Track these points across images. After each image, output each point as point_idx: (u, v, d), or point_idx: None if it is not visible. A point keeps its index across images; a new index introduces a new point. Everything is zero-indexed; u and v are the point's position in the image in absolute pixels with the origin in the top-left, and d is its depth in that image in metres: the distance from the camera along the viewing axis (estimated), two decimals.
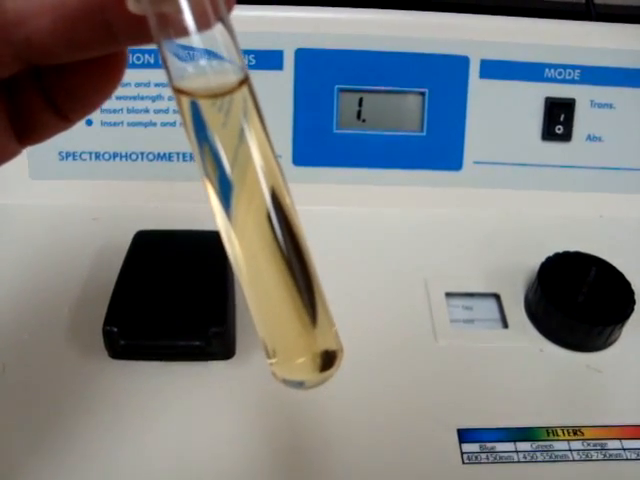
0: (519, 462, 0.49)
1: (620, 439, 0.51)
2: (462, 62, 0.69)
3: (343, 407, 0.52)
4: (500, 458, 0.49)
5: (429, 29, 0.68)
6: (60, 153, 0.68)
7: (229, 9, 0.26)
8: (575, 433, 0.51)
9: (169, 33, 0.25)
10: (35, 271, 0.62)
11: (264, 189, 0.28)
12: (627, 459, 0.50)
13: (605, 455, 0.50)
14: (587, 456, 0.50)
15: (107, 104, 0.67)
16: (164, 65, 0.26)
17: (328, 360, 0.31)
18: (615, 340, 0.58)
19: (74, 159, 0.68)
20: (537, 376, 0.56)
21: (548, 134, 0.70)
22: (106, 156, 0.68)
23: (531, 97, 0.70)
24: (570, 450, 0.50)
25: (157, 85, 0.67)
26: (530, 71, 0.69)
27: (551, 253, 0.60)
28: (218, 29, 0.25)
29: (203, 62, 0.26)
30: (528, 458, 0.49)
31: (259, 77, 0.67)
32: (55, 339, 0.56)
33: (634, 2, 0.82)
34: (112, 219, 0.67)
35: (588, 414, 0.53)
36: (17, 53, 0.27)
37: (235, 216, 0.28)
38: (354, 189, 0.70)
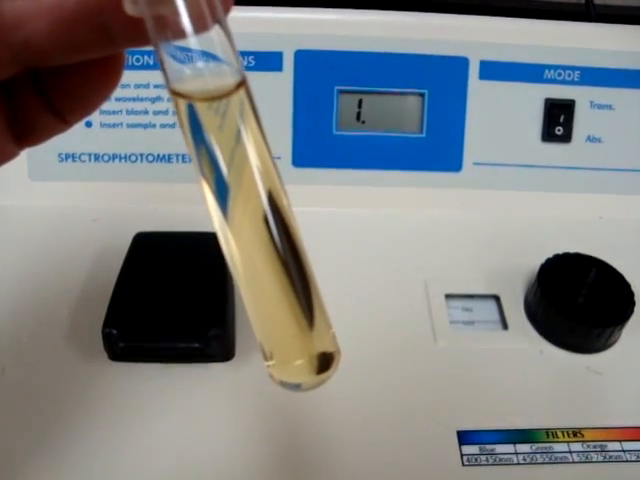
0: (519, 464, 0.49)
1: (620, 441, 0.51)
2: (462, 63, 0.69)
3: (342, 409, 0.52)
4: (500, 460, 0.49)
5: (428, 30, 0.68)
6: (60, 154, 0.68)
7: (226, 11, 0.26)
8: (575, 435, 0.51)
9: (166, 35, 0.25)
10: (34, 272, 0.62)
11: (261, 191, 0.28)
12: (627, 461, 0.50)
13: (605, 457, 0.50)
14: (587, 458, 0.50)
15: (106, 105, 0.67)
16: (161, 67, 0.26)
17: (325, 362, 0.31)
18: (615, 341, 0.58)
19: (74, 160, 0.68)
20: (537, 378, 0.56)
21: (548, 135, 0.70)
22: (105, 157, 0.68)
23: (531, 98, 0.70)
24: (570, 452, 0.50)
25: (156, 87, 0.67)
26: (530, 72, 0.69)
27: (551, 254, 0.60)
28: (215, 31, 0.25)
29: (200, 64, 0.26)
30: (528, 460, 0.49)
31: (259, 78, 0.67)
32: (54, 341, 0.56)
33: (634, 3, 0.82)
34: (112, 220, 0.67)
35: (588, 416, 0.53)
36: (15, 55, 0.27)
37: (232, 218, 0.28)
38: (354, 190, 0.70)
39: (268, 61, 0.68)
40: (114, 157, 0.69)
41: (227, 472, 0.48)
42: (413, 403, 0.53)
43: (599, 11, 0.78)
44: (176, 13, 0.24)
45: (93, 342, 0.54)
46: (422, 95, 0.69)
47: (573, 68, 0.69)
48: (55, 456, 0.48)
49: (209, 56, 0.26)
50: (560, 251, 0.60)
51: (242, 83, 0.27)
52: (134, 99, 0.67)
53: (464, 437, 0.51)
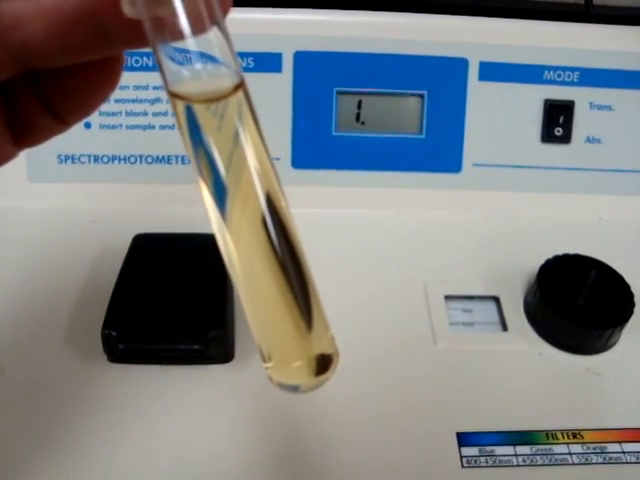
0: (519, 466, 0.49)
1: (620, 442, 0.51)
2: (461, 64, 0.69)
3: (342, 410, 0.52)
4: (499, 462, 0.49)
5: (428, 31, 0.68)
6: (59, 156, 0.68)
7: (224, 13, 0.26)
8: (575, 436, 0.51)
9: (164, 37, 0.25)
10: (33, 274, 0.62)
11: (259, 192, 0.28)
12: (627, 462, 0.50)
13: (605, 458, 0.50)
14: (587, 460, 0.50)
15: (106, 107, 0.67)
16: (159, 69, 0.26)
17: (324, 364, 0.31)
18: (615, 343, 0.58)
19: (73, 162, 0.68)
20: (536, 379, 0.55)
21: (547, 136, 0.70)
22: (105, 159, 0.68)
23: (530, 99, 0.70)
24: (570, 454, 0.50)
25: (155, 88, 0.67)
26: (529, 73, 0.69)
27: (550, 255, 0.60)
28: (213, 33, 0.25)
29: (198, 66, 0.26)
30: (528, 462, 0.49)
31: (258, 80, 0.67)
32: (54, 342, 0.56)
33: (633, 3, 0.82)
34: (111, 222, 0.67)
35: (588, 417, 0.53)
36: (13, 56, 0.27)
37: (230, 219, 0.28)
38: (353, 192, 0.70)
39: (267, 62, 0.68)
40: (113, 158, 0.68)
41: (227, 473, 0.48)
42: (413, 404, 0.53)
43: (598, 12, 0.78)
44: (174, 14, 0.24)
45: (92, 344, 0.54)
46: (422, 96, 0.69)
47: (572, 69, 0.69)
48: (55, 457, 0.48)
49: (207, 58, 0.26)
50: (560, 252, 0.60)
51: (240, 85, 0.27)
52: (133, 100, 0.67)
53: (464, 439, 0.51)
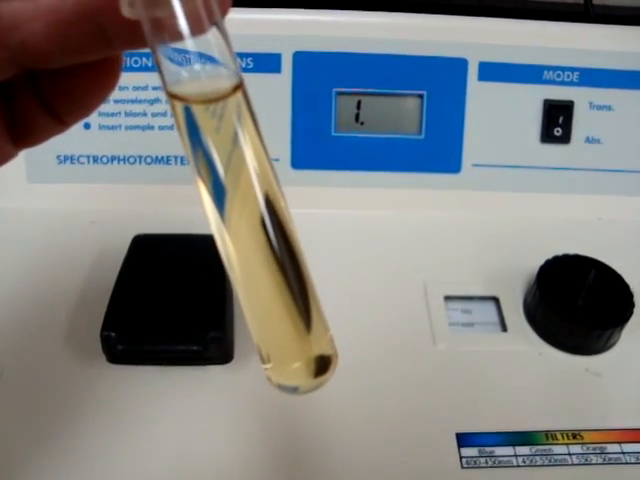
0: (518, 466, 0.49)
1: (619, 443, 0.51)
2: (460, 64, 0.69)
3: (341, 411, 0.52)
4: (499, 462, 0.49)
5: (427, 31, 0.68)
6: (58, 157, 0.68)
7: (223, 13, 0.26)
8: (574, 437, 0.51)
9: (163, 38, 0.25)
10: (33, 275, 0.62)
11: (258, 193, 0.28)
12: (626, 463, 0.50)
13: (604, 459, 0.50)
14: (586, 460, 0.50)
15: (105, 107, 0.67)
16: (158, 70, 0.26)
17: (323, 365, 0.31)
18: (614, 343, 0.58)
19: (72, 162, 0.68)
20: (536, 380, 0.55)
21: (547, 136, 0.70)
22: (104, 159, 0.68)
23: (530, 99, 0.70)
24: (569, 454, 0.50)
25: (155, 88, 0.67)
26: (529, 73, 0.69)
27: (550, 256, 0.60)
28: (212, 34, 0.25)
29: (197, 67, 0.25)
30: (527, 462, 0.49)
31: (257, 80, 0.67)
32: (53, 343, 0.56)
33: (633, 3, 0.82)
34: (110, 223, 0.67)
35: (587, 418, 0.53)
36: (12, 57, 0.27)
37: (229, 220, 0.28)
38: (353, 192, 0.70)
39: (266, 63, 0.68)
40: (112, 159, 0.68)
41: (226, 474, 0.48)
42: (412, 405, 0.53)
43: (598, 12, 0.77)
44: (173, 15, 0.24)
45: (92, 345, 0.54)
46: (421, 96, 0.69)
47: (572, 69, 0.69)
48: (54, 458, 0.48)
49: (206, 58, 0.25)
50: (559, 252, 0.60)
51: (239, 85, 0.27)
52: (132, 101, 0.67)
53: (463, 439, 0.51)
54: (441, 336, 0.58)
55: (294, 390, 0.31)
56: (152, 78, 0.66)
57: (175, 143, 0.63)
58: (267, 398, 0.51)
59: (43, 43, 0.26)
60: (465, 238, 0.68)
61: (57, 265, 0.62)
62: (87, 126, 0.67)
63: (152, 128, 0.68)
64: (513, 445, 0.50)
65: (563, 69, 0.69)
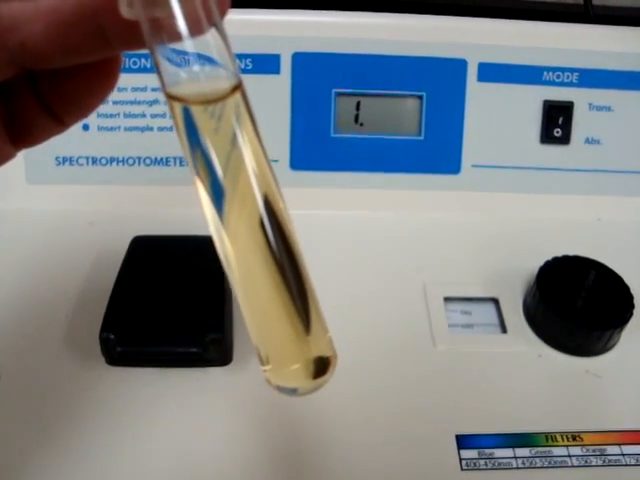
0: (518, 468, 0.49)
1: (619, 444, 0.51)
2: (460, 65, 0.69)
3: (341, 413, 0.52)
4: (499, 464, 0.49)
5: (427, 32, 0.68)
6: (57, 158, 0.68)
7: (222, 14, 0.26)
8: (574, 439, 0.51)
9: (162, 38, 0.25)
10: (31, 276, 0.62)
11: (256, 194, 0.28)
12: (626, 465, 0.49)
13: (604, 461, 0.50)
14: (586, 462, 0.49)
15: (104, 109, 0.67)
16: (157, 71, 0.26)
17: (322, 367, 0.31)
18: (614, 344, 0.58)
19: (71, 164, 0.68)
20: (536, 381, 0.55)
21: (546, 137, 0.70)
22: (103, 161, 0.68)
23: (529, 100, 0.70)
24: (569, 456, 0.50)
25: (154, 90, 0.67)
26: (528, 74, 0.69)
27: (550, 257, 0.60)
28: (211, 34, 0.25)
29: (196, 68, 0.25)
30: (527, 464, 0.49)
31: (256, 81, 0.67)
32: (52, 345, 0.56)
33: (632, 4, 0.82)
34: (109, 224, 0.67)
35: (587, 419, 0.52)
36: (11, 58, 0.27)
37: (227, 221, 0.28)
38: (352, 193, 0.70)
39: (265, 64, 0.67)
40: (111, 160, 0.68)
41: (225, 476, 0.48)
42: (412, 407, 0.53)
43: (598, 12, 0.77)
44: (172, 16, 0.24)
45: (91, 347, 0.54)
46: (420, 97, 0.69)
47: (572, 70, 0.69)
48: (53, 460, 0.48)
49: (205, 59, 0.25)
50: (559, 253, 0.60)
51: (238, 86, 0.27)
52: (131, 102, 0.67)
53: (463, 441, 0.51)
54: (441, 337, 0.58)
55: (293, 392, 0.31)
56: (151, 79, 0.66)
57: (174, 144, 0.63)
58: (266, 400, 0.51)
59: (42, 44, 0.26)
60: (465, 239, 0.68)
61: (56, 266, 0.62)
62: (86, 127, 0.67)
63: (151, 129, 0.68)
64: (513, 447, 0.50)
65: (563, 70, 0.69)
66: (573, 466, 0.49)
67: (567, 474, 0.49)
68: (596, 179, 0.71)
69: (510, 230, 0.69)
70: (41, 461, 0.48)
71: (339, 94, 0.68)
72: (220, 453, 0.49)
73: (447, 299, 0.62)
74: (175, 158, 0.69)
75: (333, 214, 0.69)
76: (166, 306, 0.55)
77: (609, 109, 0.70)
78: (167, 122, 0.68)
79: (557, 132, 0.70)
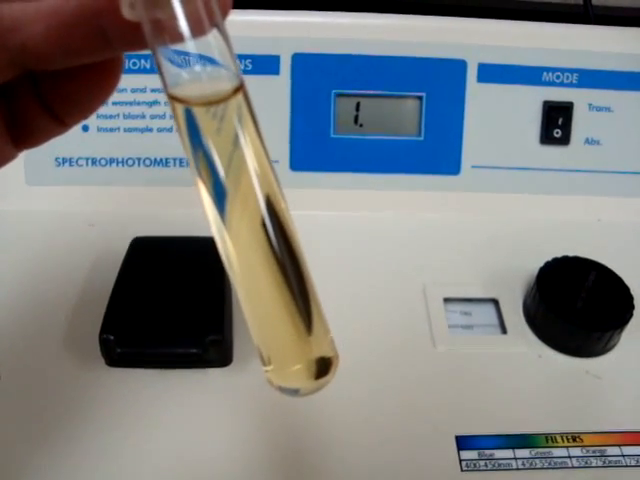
0: (518, 469, 0.49)
1: (620, 445, 0.51)
2: (460, 66, 0.69)
3: (341, 414, 0.52)
4: (499, 465, 0.49)
5: (426, 33, 0.68)
6: (56, 159, 0.68)
7: (224, 15, 0.26)
8: (574, 440, 0.51)
9: (164, 39, 0.25)
10: (31, 277, 0.61)
11: (258, 195, 0.28)
12: (627, 466, 0.49)
13: (605, 462, 0.50)
14: (586, 463, 0.49)
15: (103, 110, 0.67)
16: (159, 72, 0.26)
17: (324, 367, 0.31)
18: (614, 345, 0.58)
19: (70, 165, 0.68)
20: (536, 382, 0.55)
21: (546, 138, 0.70)
22: (102, 162, 0.68)
23: (529, 101, 0.70)
24: (569, 457, 0.50)
25: (153, 91, 0.67)
26: (528, 75, 0.69)
27: (549, 258, 0.60)
28: (213, 35, 0.25)
29: (198, 69, 0.25)
30: (527, 465, 0.49)
31: (256, 82, 0.67)
32: (52, 346, 0.55)
33: (632, 4, 0.82)
34: (109, 225, 0.67)
35: (587, 420, 0.52)
36: (13, 59, 0.27)
37: (229, 221, 0.28)
38: (352, 194, 0.70)
39: (265, 65, 0.67)
40: (111, 161, 0.68)
41: (226, 477, 0.48)
42: (412, 408, 0.53)
43: (597, 13, 0.77)
44: (174, 17, 0.24)
45: (90, 348, 0.54)
46: (420, 98, 0.69)
47: (571, 70, 0.69)
48: (53, 461, 0.48)
49: (207, 60, 0.25)
50: (559, 254, 0.60)
51: (240, 87, 0.27)
52: (131, 103, 0.67)
53: (463, 442, 0.50)
54: (441, 338, 0.58)
55: (295, 392, 0.31)
56: (150, 80, 0.66)
57: (173, 145, 0.63)
58: (266, 401, 0.51)
59: (44, 45, 0.26)
60: (464, 240, 0.68)
61: (56, 267, 0.62)
62: (85, 128, 0.67)
63: (150, 130, 0.68)
64: (513, 448, 0.50)
65: (562, 70, 0.69)
66: (573, 467, 0.49)
67: (567, 475, 0.49)
68: (596, 180, 0.71)
69: (510, 231, 0.69)
70: (41, 462, 0.48)
71: (339, 95, 0.68)
72: (220, 454, 0.49)
73: (447, 300, 0.62)
74: (175, 159, 0.69)
75: (333, 215, 0.69)
76: (166, 307, 0.55)
77: (609, 110, 0.70)
78: (166, 123, 0.68)
79: (557, 133, 0.70)
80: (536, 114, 0.70)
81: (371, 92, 0.68)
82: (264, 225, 0.28)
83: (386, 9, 0.69)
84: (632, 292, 0.57)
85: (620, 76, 0.69)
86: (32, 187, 0.69)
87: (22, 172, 0.68)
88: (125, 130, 0.68)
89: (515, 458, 0.50)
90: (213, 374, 0.54)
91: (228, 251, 0.29)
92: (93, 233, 0.66)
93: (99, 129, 0.67)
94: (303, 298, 0.30)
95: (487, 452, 0.50)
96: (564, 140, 0.70)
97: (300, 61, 0.67)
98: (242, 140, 0.27)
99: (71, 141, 0.67)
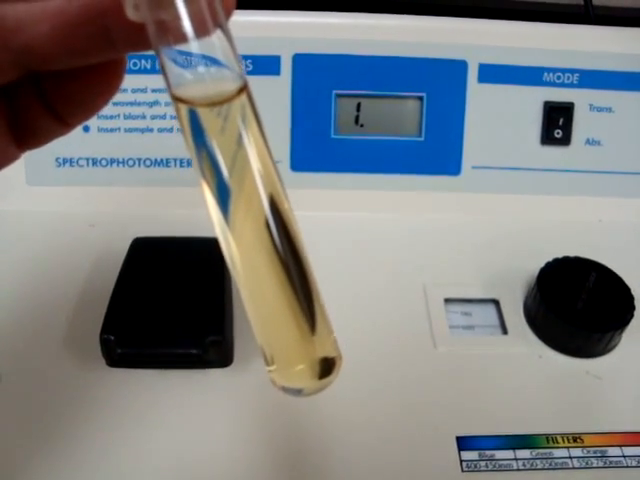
0: (518, 470, 0.49)
1: (620, 446, 0.51)
2: (460, 66, 0.69)
3: (342, 414, 0.52)
4: (499, 466, 0.49)
5: (427, 33, 0.68)
6: (57, 159, 0.68)
7: (227, 16, 0.26)
8: (575, 440, 0.51)
9: (168, 40, 0.25)
10: (32, 278, 0.61)
11: (262, 195, 0.28)
12: (627, 466, 0.49)
13: (605, 462, 0.50)
14: (587, 463, 0.49)
15: (104, 110, 0.66)
16: (163, 72, 0.26)
17: (327, 367, 0.31)
18: (615, 346, 0.58)
19: (71, 165, 0.68)
20: (536, 383, 0.55)
21: (547, 138, 0.70)
22: (103, 162, 0.68)
23: (530, 101, 0.70)
24: (570, 457, 0.50)
25: (154, 91, 0.67)
26: (528, 75, 0.69)
27: (550, 258, 0.60)
28: (217, 36, 0.25)
29: (201, 69, 0.25)
30: (528, 466, 0.49)
31: (256, 82, 0.66)
32: (52, 347, 0.55)
33: (633, 5, 0.82)
34: (109, 225, 0.67)
35: (588, 421, 0.52)
36: (16, 59, 0.27)
37: (233, 221, 0.28)
38: (352, 194, 0.70)
39: (266, 65, 0.67)
40: (112, 162, 0.68)
41: (226, 477, 0.48)
42: (412, 408, 0.53)
43: (598, 13, 0.77)
44: (178, 18, 0.24)
45: (91, 348, 0.54)
46: (421, 98, 0.69)
47: (572, 71, 0.69)
48: (53, 462, 0.48)
49: (210, 61, 0.25)
50: (559, 255, 0.60)
51: (244, 88, 0.27)
52: (131, 103, 0.67)
53: (463, 443, 0.50)
54: (441, 339, 0.58)
55: (298, 392, 0.31)
56: (151, 80, 0.66)
57: (174, 145, 0.63)
58: (267, 401, 0.51)
59: (47, 45, 0.26)
60: (465, 240, 0.68)
61: (56, 268, 0.62)
62: (86, 129, 0.67)
63: (151, 130, 0.68)
64: (513, 448, 0.50)
65: (563, 71, 0.69)
66: (574, 468, 0.49)
67: (568, 476, 0.49)
68: (597, 180, 0.71)
69: (510, 231, 0.69)
70: (41, 463, 0.48)
71: (339, 95, 0.68)
72: (220, 454, 0.49)
73: (447, 300, 0.62)
74: (175, 159, 0.69)
75: (333, 215, 0.69)
76: (166, 307, 0.55)
77: (610, 110, 0.70)
78: (167, 123, 0.68)
79: (557, 133, 0.70)
80: (537, 114, 0.70)
81: (372, 92, 0.68)
82: (268, 225, 0.28)
83: (387, 9, 0.69)
84: (633, 292, 0.57)
85: (621, 76, 0.69)
86: (33, 187, 0.68)
87: (23, 172, 0.68)
88: (126, 130, 0.68)
89: (516, 459, 0.50)
90: (213, 374, 0.54)
91: (232, 251, 0.29)
92: (94, 233, 0.66)
93: (100, 129, 0.67)
94: (306, 298, 0.30)
95: (488, 453, 0.50)
96: (565, 140, 0.70)
97: (301, 61, 0.67)
98: (246, 140, 0.27)
99: (72, 141, 0.67)
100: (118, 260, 0.59)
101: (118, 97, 0.66)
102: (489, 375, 0.56)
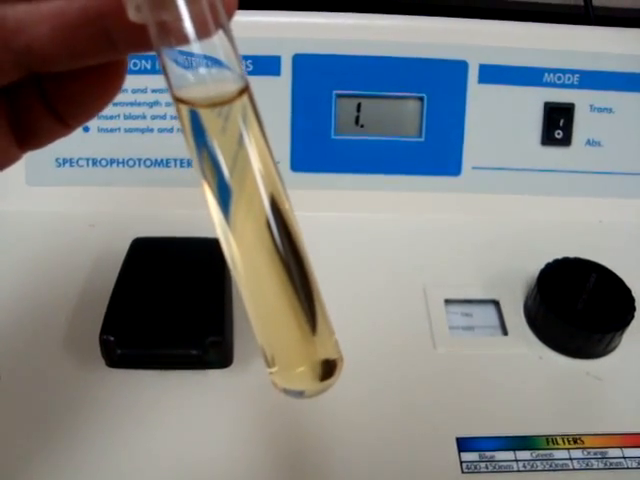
0: (519, 471, 0.49)
1: (621, 447, 0.51)
2: (461, 67, 0.69)
3: (341, 415, 0.52)
4: (500, 467, 0.49)
5: (427, 34, 0.68)
6: (57, 159, 0.68)
7: (229, 16, 0.26)
8: (575, 441, 0.51)
9: (169, 41, 0.25)
10: (31, 278, 0.61)
11: (263, 195, 0.28)
12: (628, 468, 0.49)
13: (606, 464, 0.50)
14: (587, 465, 0.49)
15: (104, 110, 0.67)
16: (164, 73, 0.26)
17: (328, 369, 0.31)
18: (615, 347, 0.58)
19: (71, 165, 0.68)
20: (537, 383, 0.55)
21: (547, 139, 0.70)
22: (103, 162, 0.68)
23: (530, 102, 0.70)
24: (570, 459, 0.50)
25: (154, 91, 0.66)
26: (529, 76, 0.69)
27: (550, 259, 0.60)
28: (218, 37, 0.25)
29: (203, 70, 0.25)
30: (528, 467, 0.49)
31: (256, 83, 0.66)
32: (52, 348, 0.55)
33: (633, 5, 0.82)
34: (109, 226, 0.67)
35: (588, 422, 0.52)
36: (17, 60, 0.27)
37: (234, 222, 0.28)
38: (352, 195, 0.70)
39: (266, 65, 0.67)
40: (111, 162, 0.68)
41: (226, 478, 0.48)
42: (412, 409, 0.53)
43: (598, 14, 0.77)
44: (179, 19, 0.24)
45: (91, 349, 0.53)
46: (421, 99, 0.69)
47: (572, 71, 0.69)
48: (53, 463, 0.48)
49: (212, 61, 0.25)
50: (560, 255, 0.60)
51: (245, 89, 0.27)
52: (132, 104, 0.67)
53: (463, 444, 0.50)
54: (441, 339, 0.58)
55: (299, 394, 0.31)
56: (151, 81, 0.66)
57: (174, 146, 0.63)
58: (266, 402, 0.51)
59: (48, 46, 0.26)
60: (465, 241, 0.68)
61: (56, 268, 0.62)
62: (86, 129, 0.67)
63: (151, 131, 0.68)
64: (514, 450, 0.50)
65: (563, 71, 0.69)
66: (574, 469, 0.49)
67: (568, 477, 0.49)
68: (597, 181, 0.71)
69: (511, 232, 0.69)
70: (41, 463, 0.48)
71: (340, 96, 0.68)
72: (220, 455, 0.49)
73: (448, 301, 0.62)
74: (175, 159, 0.69)
75: (333, 216, 0.69)
76: (166, 308, 0.54)
77: (610, 111, 0.70)
78: (167, 123, 0.68)
79: (558, 134, 0.70)
80: (537, 115, 0.70)
81: (372, 93, 0.68)
82: (269, 225, 0.28)
83: (387, 10, 0.69)
84: (633, 294, 0.57)
85: (621, 77, 0.69)
86: (32, 187, 0.68)
87: (22, 172, 0.68)
88: (126, 130, 0.68)
89: (516, 460, 0.50)
90: (213, 375, 0.54)
91: (232, 252, 0.29)
92: (93, 234, 0.66)
93: (100, 129, 0.67)
94: (308, 299, 0.30)
95: (488, 454, 0.50)
96: (565, 141, 0.70)
97: (301, 62, 0.67)
98: (247, 141, 0.27)
99: (72, 141, 0.66)
100: (118, 260, 0.58)
101: (118, 97, 0.66)
102: (489, 376, 0.56)
